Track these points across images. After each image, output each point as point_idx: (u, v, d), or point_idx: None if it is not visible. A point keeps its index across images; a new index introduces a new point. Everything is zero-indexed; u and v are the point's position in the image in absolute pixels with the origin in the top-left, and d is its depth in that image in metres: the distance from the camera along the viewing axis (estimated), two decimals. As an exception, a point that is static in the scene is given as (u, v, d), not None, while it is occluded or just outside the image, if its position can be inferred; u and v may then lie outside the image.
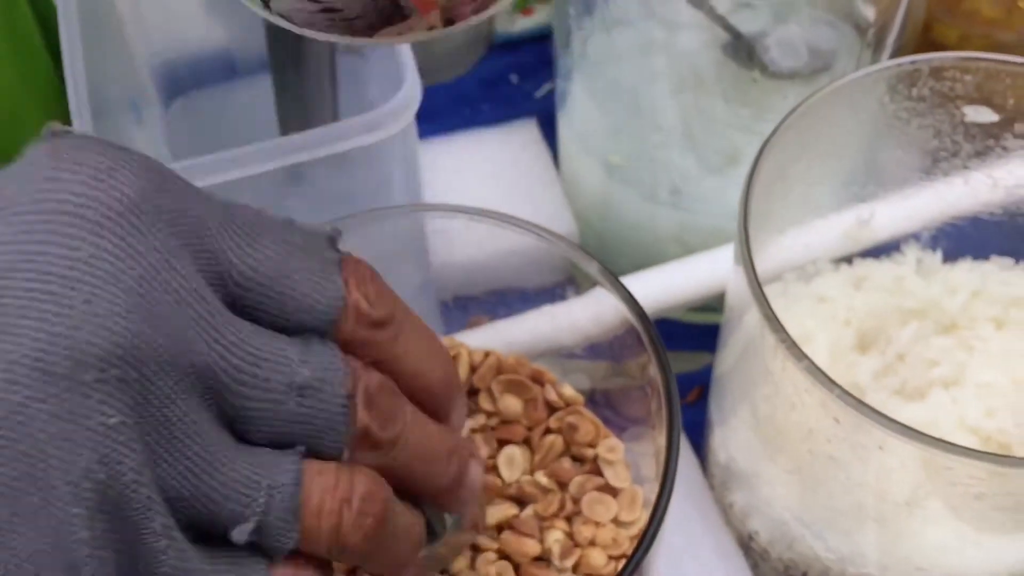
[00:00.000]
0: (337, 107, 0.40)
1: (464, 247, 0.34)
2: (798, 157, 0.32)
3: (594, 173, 0.39)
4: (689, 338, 0.41)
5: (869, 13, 0.39)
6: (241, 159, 0.31)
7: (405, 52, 0.32)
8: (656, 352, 0.27)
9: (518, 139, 0.44)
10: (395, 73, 0.32)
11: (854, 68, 0.39)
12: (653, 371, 0.27)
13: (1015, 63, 0.29)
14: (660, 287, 0.35)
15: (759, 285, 0.26)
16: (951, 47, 0.41)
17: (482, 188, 0.43)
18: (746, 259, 0.27)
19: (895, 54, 0.38)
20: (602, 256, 0.44)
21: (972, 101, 0.31)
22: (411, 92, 0.31)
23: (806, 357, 0.25)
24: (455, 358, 0.32)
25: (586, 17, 0.36)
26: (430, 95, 0.50)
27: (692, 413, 0.38)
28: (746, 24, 0.43)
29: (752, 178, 0.29)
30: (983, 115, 0.31)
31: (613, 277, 0.29)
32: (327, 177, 0.33)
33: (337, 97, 0.40)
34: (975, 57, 0.29)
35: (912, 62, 0.30)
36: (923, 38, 0.41)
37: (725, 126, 0.39)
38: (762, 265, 0.36)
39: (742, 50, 0.39)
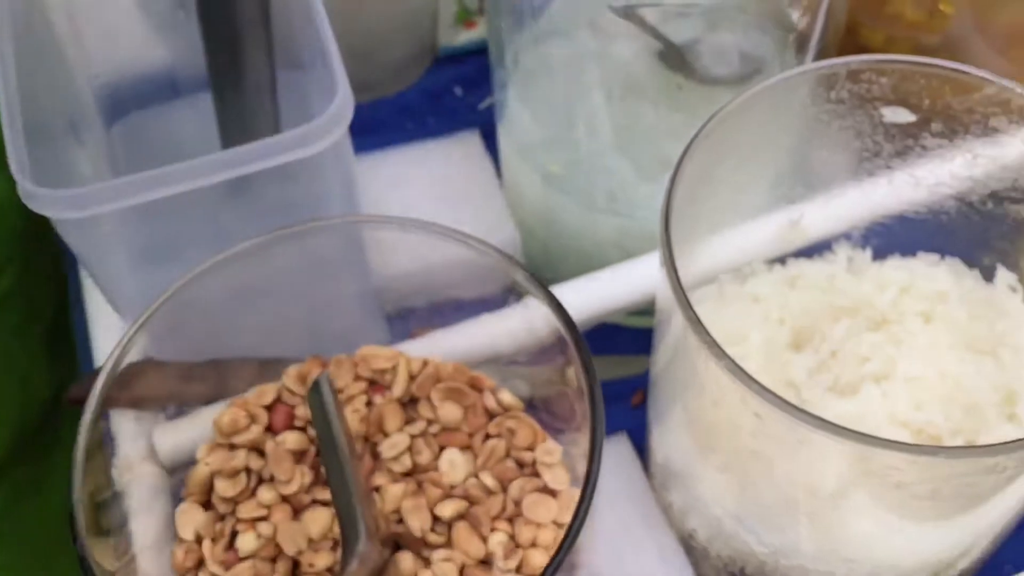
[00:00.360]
0: (279, 122, 0.40)
1: (404, 258, 0.35)
2: (723, 160, 0.32)
3: (534, 183, 0.40)
4: (632, 342, 0.42)
5: (795, 17, 0.40)
6: (174, 176, 0.31)
7: (338, 66, 0.32)
8: (581, 358, 0.28)
9: (461, 151, 0.45)
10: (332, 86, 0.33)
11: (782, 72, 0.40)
12: (581, 376, 0.28)
13: (928, 64, 0.30)
14: (596, 294, 0.36)
15: (680, 287, 0.27)
16: (877, 50, 0.42)
17: (425, 200, 0.43)
18: (669, 263, 0.28)
19: (820, 57, 0.39)
20: (546, 262, 0.45)
21: (889, 102, 0.31)
22: (342, 105, 0.31)
23: (726, 356, 0.26)
24: (394, 368, 0.33)
25: (518, 30, 0.37)
26: (375, 108, 0.51)
27: (638, 416, 0.39)
28: (679, 31, 0.43)
29: (674, 183, 0.29)
30: (901, 116, 0.32)
31: (541, 286, 0.29)
32: (264, 190, 0.33)
33: (278, 112, 0.40)
34: (890, 59, 0.30)
35: (829, 66, 0.30)
36: (849, 41, 0.42)
37: (658, 133, 0.39)
38: (696, 267, 0.37)
39: (674, 57, 0.40)
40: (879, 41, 0.42)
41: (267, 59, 0.39)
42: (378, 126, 0.49)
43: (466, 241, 0.30)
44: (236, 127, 0.40)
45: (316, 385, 0.28)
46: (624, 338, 0.42)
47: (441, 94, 0.51)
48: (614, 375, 0.42)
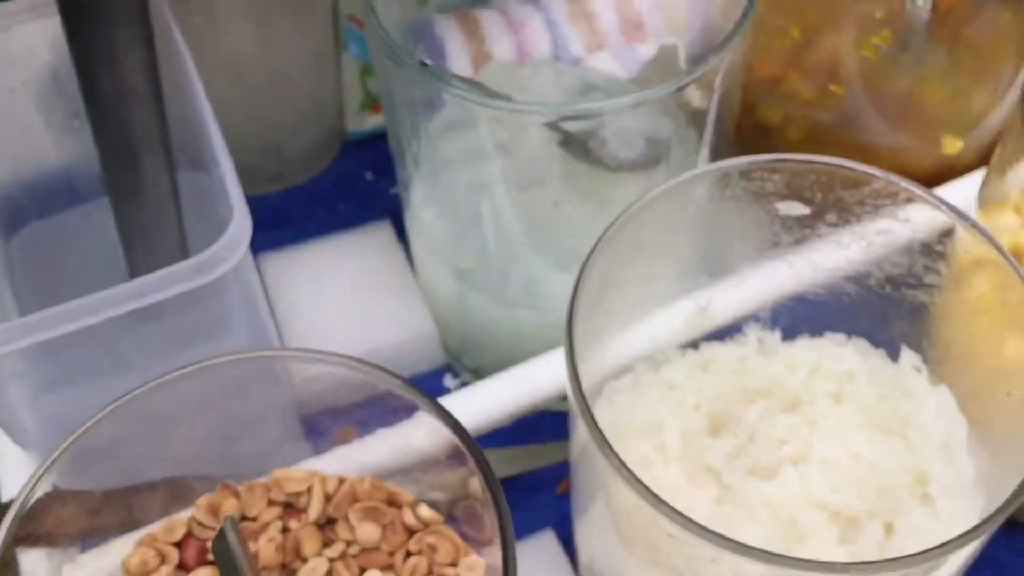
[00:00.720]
0: (183, 231, 0.39)
1: (318, 378, 0.34)
2: (628, 258, 0.33)
3: (445, 279, 0.40)
4: (562, 424, 0.42)
5: (694, 99, 0.41)
6: (73, 312, 0.30)
7: (233, 186, 0.32)
8: (481, 470, 0.27)
9: (373, 243, 0.45)
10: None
11: (689, 154, 0.41)
12: (484, 488, 0.28)
13: (815, 162, 0.31)
14: (510, 391, 0.36)
15: (587, 405, 0.27)
16: (775, 127, 0.43)
17: (339, 297, 0.43)
18: (573, 377, 0.28)
19: (721, 138, 0.40)
20: (466, 352, 0.44)
21: (783, 197, 0.32)
22: (240, 228, 0.31)
23: (635, 479, 0.26)
24: (309, 490, 0.32)
25: (416, 128, 0.37)
26: (286, 197, 0.50)
27: (563, 505, 0.39)
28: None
29: (578, 289, 0.30)
30: (795, 209, 0.32)
31: (431, 400, 0.29)
32: (164, 316, 0.32)
33: (182, 221, 0.39)
34: (780, 159, 0.31)
35: (722, 168, 0.31)
36: (748, 119, 0.43)
37: (569, 222, 0.40)
38: (611, 358, 0.37)
39: (578, 145, 0.40)
40: (777, 119, 0.43)
41: (167, 169, 0.39)
42: (289, 216, 0.49)
43: (365, 371, 0.30)
44: (139, 240, 0.39)
45: (222, 533, 0.27)
46: (551, 422, 0.42)
47: (352, 179, 0.50)
48: (540, 463, 0.41)
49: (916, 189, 0.30)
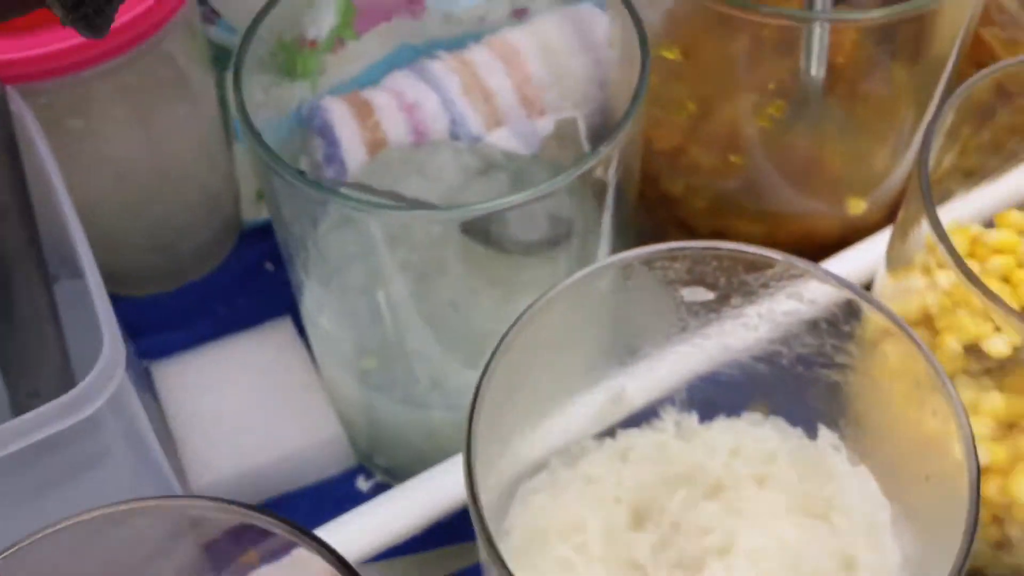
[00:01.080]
0: (65, 349, 0.37)
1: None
2: (534, 354, 0.31)
3: (348, 380, 0.38)
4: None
5: (596, 174, 0.40)
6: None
7: (103, 310, 0.30)
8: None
9: (273, 341, 0.43)
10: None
11: (593, 229, 0.40)
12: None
13: (716, 248, 0.30)
14: (418, 499, 0.34)
15: (483, 522, 0.25)
16: (678, 197, 0.42)
17: (240, 403, 0.41)
18: (470, 492, 0.26)
19: (622, 209, 0.39)
20: (377, 451, 0.42)
21: (687, 283, 0.31)
22: (111, 359, 0.28)
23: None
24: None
25: (303, 234, 0.35)
26: (183, 295, 0.48)
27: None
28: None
29: (478, 397, 0.28)
30: (700, 295, 0.31)
31: (312, 539, 0.27)
32: (30, 461, 0.30)
33: (62, 336, 0.37)
34: (679, 247, 0.30)
35: (620, 260, 0.30)
36: (651, 190, 0.43)
37: (474, 313, 0.38)
38: (525, 455, 0.35)
39: (480, 231, 0.39)
40: (679, 190, 0.42)
41: (41, 285, 0.36)
42: (187, 316, 0.46)
43: (237, 512, 0.27)
44: (17, 361, 0.37)
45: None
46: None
47: (251, 272, 0.48)
48: (462, 565, 0.40)
49: (814, 268, 0.29)
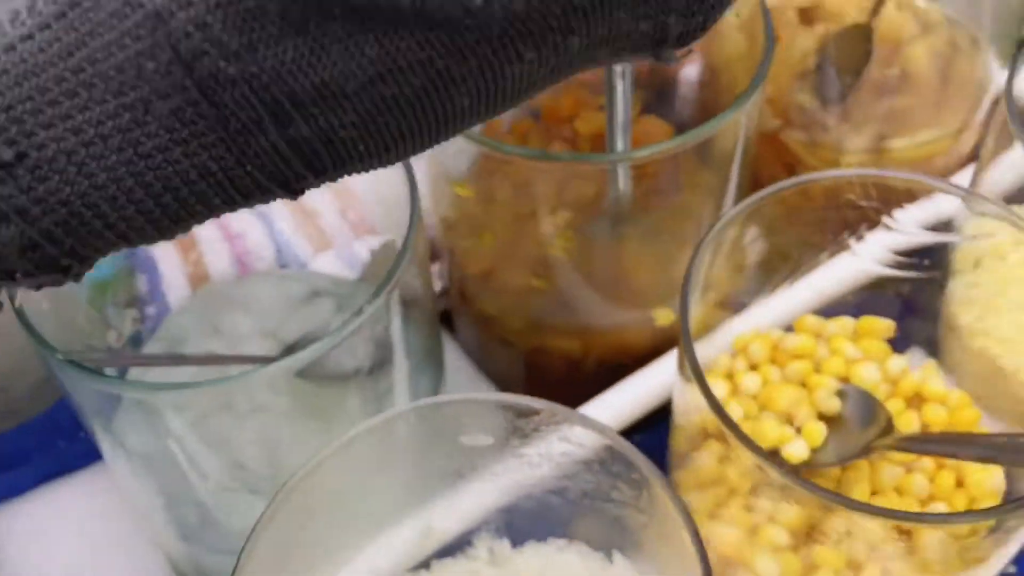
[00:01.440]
0: None
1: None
2: (342, 488, 0.32)
3: (172, 538, 0.38)
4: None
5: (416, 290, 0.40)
6: None
7: None
8: None
9: (103, 485, 0.42)
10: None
11: (415, 350, 0.40)
12: None
13: (485, 400, 0.31)
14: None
15: None
16: (495, 316, 0.43)
17: (69, 551, 0.40)
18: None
19: (430, 331, 0.39)
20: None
21: (467, 431, 0.32)
22: None
23: None
24: None
25: (99, 425, 0.35)
26: (21, 435, 0.48)
27: None
28: (302, 329, 0.43)
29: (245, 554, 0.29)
30: (480, 440, 0.32)
31: None
32: None
33: None
34: (458, 399, 0.31)
35: (415, 407, 0.31)
36: (467, 310, 0.44)
37: (300, 450, 0.38)
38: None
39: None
40: (494, 310, 0.43)
41: None
42: (26, 454, 0.46)
43: None
44: None
45: None
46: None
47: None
48: None
49: (574, 415, 0.30)
